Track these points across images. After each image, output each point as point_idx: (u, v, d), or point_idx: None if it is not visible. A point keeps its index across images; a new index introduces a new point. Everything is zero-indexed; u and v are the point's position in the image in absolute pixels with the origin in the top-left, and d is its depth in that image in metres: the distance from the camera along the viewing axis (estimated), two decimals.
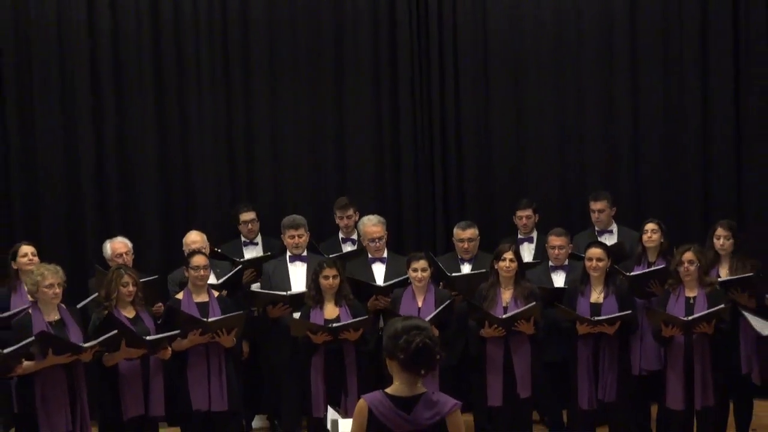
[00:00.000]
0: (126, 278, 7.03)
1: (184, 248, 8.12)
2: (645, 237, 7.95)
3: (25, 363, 6.39)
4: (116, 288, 7.00)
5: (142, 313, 7.13)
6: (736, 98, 9.59)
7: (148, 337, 6.92)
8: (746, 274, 7.55)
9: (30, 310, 6.68)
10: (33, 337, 6.36)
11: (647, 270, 7.82)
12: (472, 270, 8.10)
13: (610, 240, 8.31)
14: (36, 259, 7.46)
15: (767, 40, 9.49)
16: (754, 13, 9.48)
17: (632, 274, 7.77)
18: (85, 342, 6.63)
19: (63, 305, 6.78)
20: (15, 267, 7.57)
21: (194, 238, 8.20)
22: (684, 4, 9.51)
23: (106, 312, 6.95)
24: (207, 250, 8.01)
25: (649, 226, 7.96)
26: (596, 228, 8.55)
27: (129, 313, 7.03)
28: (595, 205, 8.54)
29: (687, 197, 9.64)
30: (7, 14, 9.33)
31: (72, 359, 6.54)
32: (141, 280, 7.28)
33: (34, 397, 6.50)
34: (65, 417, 6.56)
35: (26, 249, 7.60)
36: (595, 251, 7.39)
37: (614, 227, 8.59)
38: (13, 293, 7.49)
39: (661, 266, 7.74)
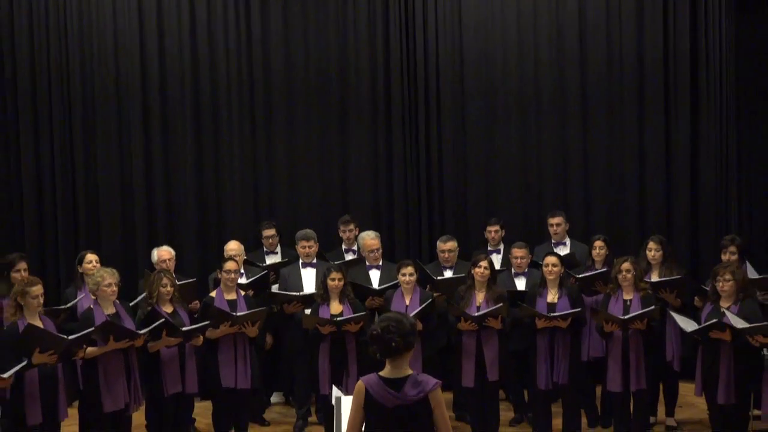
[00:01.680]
0: (164, 280, 7.03)
1: (225, 254, 8.04)
2: (594, 252, 7.98)
3: (89, 348, 6.40)
4: (156, 288, 7.01)
5: (179, 309, 7.12)
6: (667, 137, 9.63)
7: (183, 328, 6.93)
8: (675, 276, 7.57)
9: (92, 306, 6.69)
10: (93, 327, 6.38)
11: (593, 272, 7.83)
12: (454, 275, 8.08)
13: (563, 251, 8.30)
14: (98, 265, 7.44)
15: (689, 86, 9.58)
16: (680, 65, 9.55)
17: (581, 276, 7.78)
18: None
19: (117, 301, 6.77)
20: (81, 271, 7.58)
21: (233, 247, 8.19)
22: (624, 58, 9.57)
23: (150, 308, 6.97)
24: (242, 258, 8.04)
25: (598, 243, 7.98)
26: (553, 240, 8.54)
27: (168, 308, 7.02)
28: (553, 220, 8.53)
29: (625, 217, 9.67)
30: (75, 79, 9.45)
31: (128, 345, 6.56)
32: (180, 283, 7.32)
33: (98, 375, 6.49)
34: (123, 391, 6.58)
35: (91, 257, 7.61)
36: (550, 259, 7.42)
37: (567, 240, 8.58)
38: (78, 291, 7.50)
39: (604, 269, 7.76)
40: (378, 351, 4.31)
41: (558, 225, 8.50)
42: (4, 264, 7.12)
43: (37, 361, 6.03)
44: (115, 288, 6.67)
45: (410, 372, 4.38)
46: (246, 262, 8.22)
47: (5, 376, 5.78)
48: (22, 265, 7.16)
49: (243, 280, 7.77)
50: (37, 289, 6.23)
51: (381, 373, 4.39)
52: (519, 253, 7.96)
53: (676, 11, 9.51)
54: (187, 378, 7.07)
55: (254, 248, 8.79)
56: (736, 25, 9.51)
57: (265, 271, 8.12)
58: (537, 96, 9.65)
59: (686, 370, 7.70)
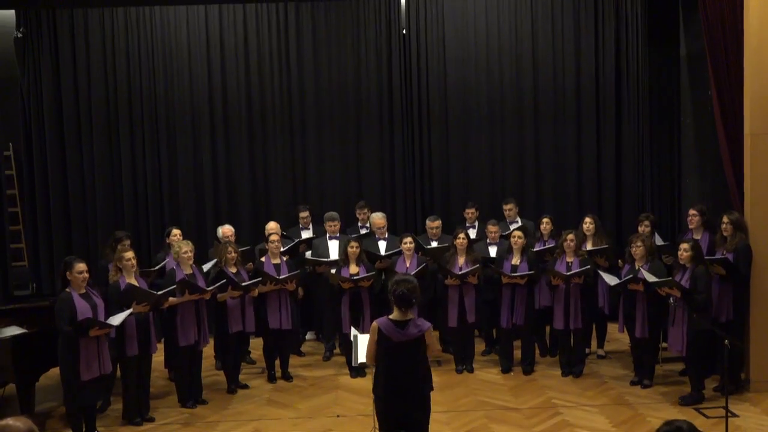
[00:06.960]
0: (230, 248, 7.08)
1: (265, 231, 8.05)
2: (542, 227, 7.95)
3: (170, 299, 6.44)
4: (224, 255, 7.04)
5: (240, 269, 7.16)
6: (598, 139, 9.61)
7: (243, 284, 6.96)
8: (603, 246, 7.56)
9: (174, 268, 6.71)
10: (175, 285, 6.43)
11: (544, 247, 7.81)
12: (438, 245, 8.10)
13: (514, 227, 8.26)
14: (181, 237, 7.45)
15: (614, 100, 9.54)
16: (608, 83, 9.52)
17: (536, 249, 7.76)
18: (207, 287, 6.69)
19: (194, 265, 6.79)
20: (168, 242, 7.57)
21: (272, 226, 8.15)
22: (565, 80, 9.53)
23: (219, 269, 7.00)
24: (279, 232, 8.03)
25: (545, 220, 7.96)
26: (507, 220, 8.43)
27: (232, 269, 7.05)
28: (507, 206, 8.45)
29: (567, 199, 9.65)
30: (161, 98, 9.42)
31: (198, 297, 6.60)
32: (239, 250, 7.31)
33: (176, 320, 6.55)
34: (194, 331, 6.61)
35: (176, 231, 7.58)
36: (517, 233, 7.42)
37: (518, 219, 8.46)
38: (166, 255, 7.50)
39: (552, 245, 7.74)
40: (402, 306, 4.38)
41: (510, 209, 8.47)
42: (114, 239, 7.14)
43: (134, 310, 6.08)
44: (191, 255, 6.69)
45: (411, 317, 4.46)
46: (281, 236, 8.20)
47: (115, 323, 5.82)
48: (127, 241, 7.09)
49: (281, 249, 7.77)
50: (129, 254, 6.27)
51: (390, 317, 4.47)
52: (493, 228, 7.95)
53: (605, 43, 9.51)
54: (247, 320, 7.11)
55: (292, 225, 8.79)
56: (649, 53, 9.46)
57: (296, 241, 8.14)
58: (501, 110, 9.60)
59: (612, 313, 7.72)
